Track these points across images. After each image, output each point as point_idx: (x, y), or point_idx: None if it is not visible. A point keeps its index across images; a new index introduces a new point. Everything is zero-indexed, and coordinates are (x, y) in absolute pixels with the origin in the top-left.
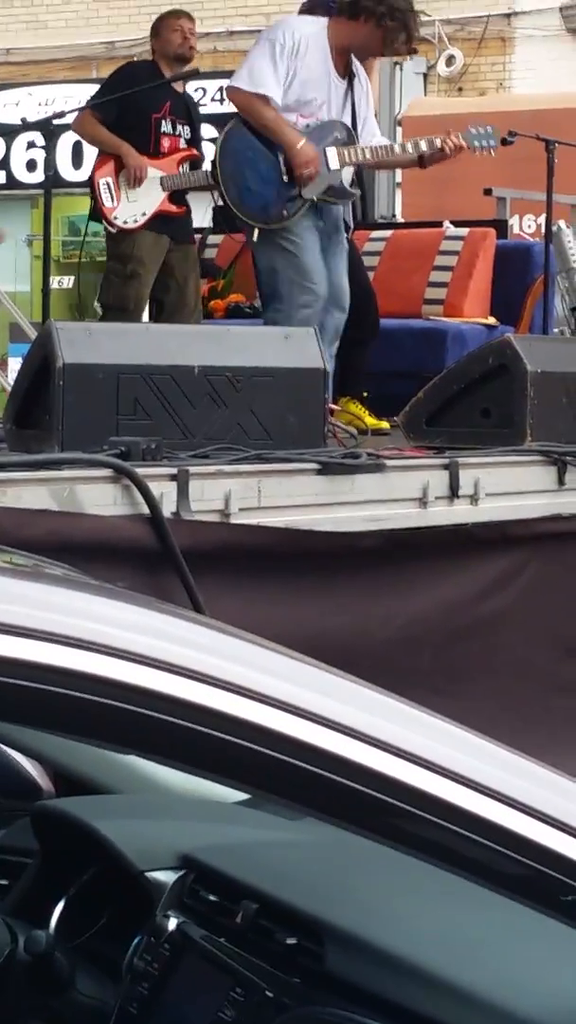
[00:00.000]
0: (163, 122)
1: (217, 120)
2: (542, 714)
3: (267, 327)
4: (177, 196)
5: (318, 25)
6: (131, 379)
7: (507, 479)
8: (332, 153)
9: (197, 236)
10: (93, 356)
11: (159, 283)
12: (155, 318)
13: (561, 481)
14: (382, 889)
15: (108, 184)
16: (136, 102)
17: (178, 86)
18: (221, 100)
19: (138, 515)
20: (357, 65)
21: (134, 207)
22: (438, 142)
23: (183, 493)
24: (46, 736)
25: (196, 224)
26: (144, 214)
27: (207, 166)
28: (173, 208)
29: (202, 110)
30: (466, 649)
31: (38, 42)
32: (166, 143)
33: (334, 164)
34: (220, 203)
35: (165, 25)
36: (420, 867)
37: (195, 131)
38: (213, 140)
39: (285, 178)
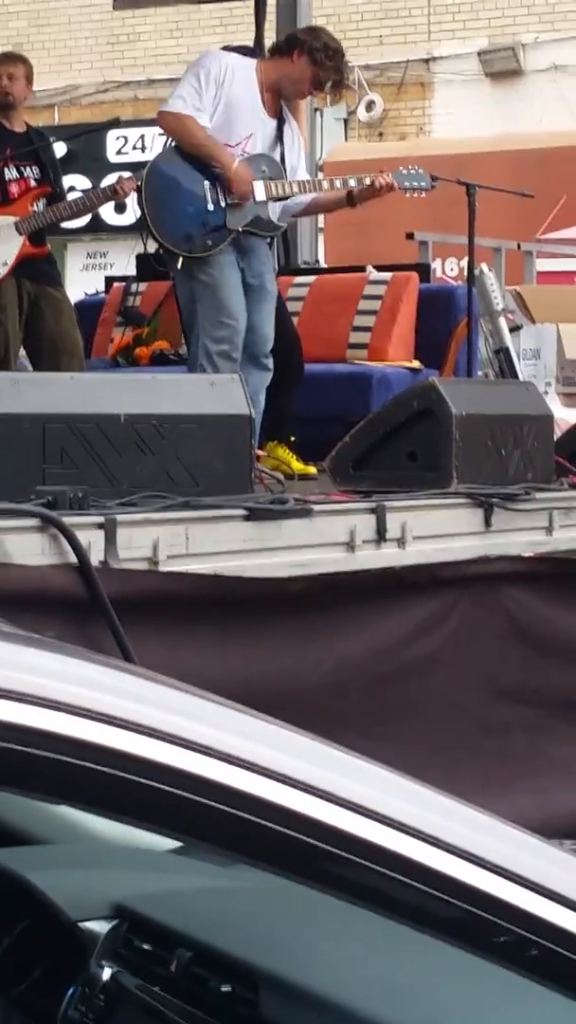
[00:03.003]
0: (6, 170)
1: (139, 168)
2: (472, 756)
3: (192, 375)
4: (37, 237)
5: (246, 61)
6: (57, 428)
7: (434, 522)
8: (259, 186)
9: (121, 284)
10: (18, 406)
11: (33, 331)
12: (38, 367)
13: (488, 523)
14: (316, 935)
15: None
16: None
17: (18, 124)
18: (143, 148)
19: (66, 564)
20: (288, 113)
21: None
22: (367, 180)
23: (111, 541)
24: None
25: (120, 272)
26: (5, 263)
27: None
28: (34, 250)
29: (123, 158)
30: (395, 692)
31: None
32: (14, 188)
33: (260, 196)
34: (144, 250)
35: None
36: (354, 912)
37: (44, 166)
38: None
39: (211, 207)
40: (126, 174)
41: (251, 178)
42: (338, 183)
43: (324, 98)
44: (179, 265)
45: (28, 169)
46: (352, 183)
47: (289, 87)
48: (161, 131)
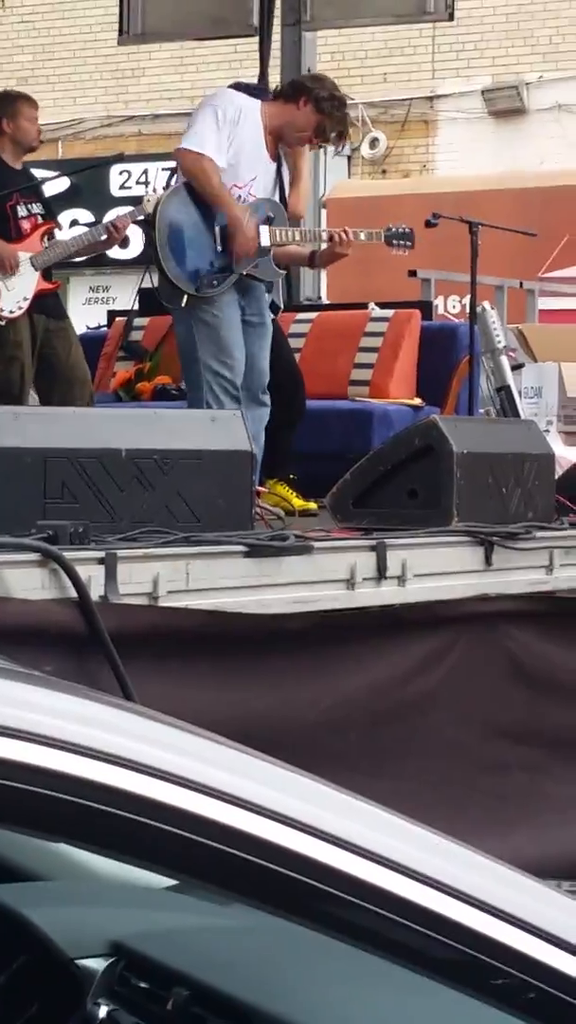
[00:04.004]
0: (18, 207)
1: (139, 202)
2: (468, 794)
3: (194, 410)
4: (47, 272)
5: (253, 103)
6: (58, 463)
7: (434, 560)
8: (264, 231)
9: (123, 318)
10: (20, 440)
11: (45, 364)
12: (46, 401)
13: (488, 561)
14: (313, 974)
15: None
16: None
17: (16, 163)
18: (146, 183)
19: (66, 599)
20: (283, 156)
21: (15, 295)
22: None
23: (111, 576)
24: None
25: (122, 306)
26: (26, 299)
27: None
28: (49, 285)
29: (126, 193)
30: (393, 730)
31: None
32: (26, 225)
33: (265, 242)
34: (148, 284)
35: (19, 112)
36: (351, 952)
37: (44, 202)
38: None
39: (219, 248)
40: (123, 211)
41: (256, 240)
42: (346, 234)
43: (325, 147)
44: (183, 303)
45: (33, 205)
46: (362, 236)
47: (292, 134)
48: (174, 167)
